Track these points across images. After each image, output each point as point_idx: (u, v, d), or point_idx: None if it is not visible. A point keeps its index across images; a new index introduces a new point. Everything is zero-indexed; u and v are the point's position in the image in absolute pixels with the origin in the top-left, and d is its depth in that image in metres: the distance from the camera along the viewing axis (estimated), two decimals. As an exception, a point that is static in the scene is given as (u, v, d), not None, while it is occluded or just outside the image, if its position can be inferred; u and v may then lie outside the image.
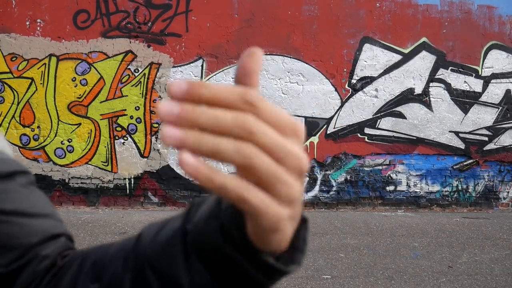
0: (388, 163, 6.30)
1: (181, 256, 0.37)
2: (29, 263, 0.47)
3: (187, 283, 0.37)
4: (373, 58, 6.16)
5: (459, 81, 6.34)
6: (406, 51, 6.22)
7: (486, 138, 6.47)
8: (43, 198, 0.54)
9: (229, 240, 0.34)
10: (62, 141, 5.79)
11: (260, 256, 0.33)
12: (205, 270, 0.36)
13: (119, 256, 0.43)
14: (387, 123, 6.25)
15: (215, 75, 5.93)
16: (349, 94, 6.17)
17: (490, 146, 6.49)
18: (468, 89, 6.37)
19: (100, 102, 5.79)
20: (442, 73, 6.30)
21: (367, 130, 6.23)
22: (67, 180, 5.83)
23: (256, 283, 0.35)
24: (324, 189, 6.21)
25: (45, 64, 5.68)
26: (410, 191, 6.37)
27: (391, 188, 6.33)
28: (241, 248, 0.34)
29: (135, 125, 5.86)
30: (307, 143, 6.13)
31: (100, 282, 0.43)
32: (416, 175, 6.37)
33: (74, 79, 5.74)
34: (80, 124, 5.80)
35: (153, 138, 5.89)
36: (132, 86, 5.83)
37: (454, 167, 6.44)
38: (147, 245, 0.40)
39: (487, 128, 6.46)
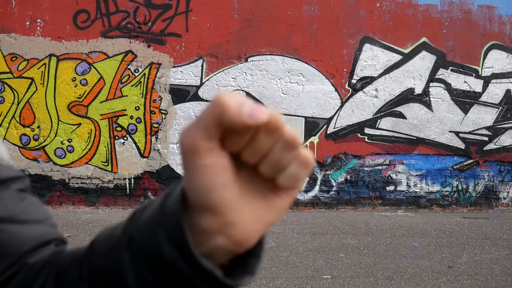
0: (388, 163, 6.30)
1: (127, 261, 0.36)
2: (18, 273, 0.45)
3: None
4: (373, 58, 6.16)
5: (459, 81, 6.34)
6: (406, 51, 6.22)
7: (486, 138, 6.47)
8: (36, 204, 0.53)
9: (173, 249, 0.33)
10: (62, 141, 5.79)
11: (203, 265, 0.32)
12: (152, 275, 0.35)
13: (74, 264, 0.42)
14: (387, 123, 6.25)
15: (215, 75, 5.93)
16: (349, 94, 6.17)
17: (490, 146, 6.49)
18: (468, 89, 6.37)
19: (100, 102, 5.80)
20: (442, 73, 6.30)
21: (367, 130, 6.23)
22: (67, 180, 5.83)
23: None
24: (324, 189, 6.21)
25: (45, 64, 5.68)
26: (410, 191, 6.37)
27: (391, 188, 6.33)
28: (185, 257, 0.32)
29: (135, 125, 5.86)
30: (307, 143, 6.13)
31: None
32: (416, 175, 6.37)
33: (74, 79, 5.74)
34: (80, 124, 5.80)
35: (153, 138, 5.89)
36: (132, 86, 5.83)
37: (454, 167, 6.44)
38: (96, 251, 0.40)
39: (487, 128, 6.46)
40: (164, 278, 0.34)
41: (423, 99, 6.30)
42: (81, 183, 5.85)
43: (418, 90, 6.28)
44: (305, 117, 6.10)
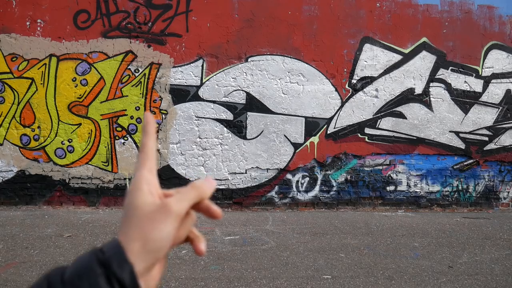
0: (388, 163, 6.30)
1: None
2: None
3: None
4: (373, 58, 6.16)
5: (459, 81, 6.34)
6: (406, 51, 6.22)
7: (486, 138, 6.47)
8: None
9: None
10: (62, 141, 5.79)
11: None
12: None
13: None
14: (387, 123, 6.25)
15: (215, 75, 5.93)
16: (350, 94, 6.17)
17: (491, 146, 6.49)
18: (468, 89, 6.37)
19: (101, 102, 5.80)
20: (442, 73, 6.30)
21: (368, 130, 6.23)
22: (67, 180, 5.83)
23: None
24: (325, 189, 6.21)
25: (45, 64, 5.69)
26: (411, 191, 6.37)
27: (391, 188, 6.33)
28: None
29: (135, 125, 5.86)
30: (308, 143, 6.13)
31: None
32: (417, 175, 6.36)
33: (74, 79, 5.75)
34: (80, 124, 5.80)
35: (154, 138, 5.88)
36: (132, 86, 5.83)
37: (455, 167, 6.44)
38: None
39: (487, 128, 6.46)
40: None
41: (423, 99, 6.30)
42: (82, 183, 5.85)
43: (418, 90, 6.28)
44: (305, 117, 6.09)
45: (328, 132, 6.16)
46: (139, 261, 0.40)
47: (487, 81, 6.40)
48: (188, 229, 0.47)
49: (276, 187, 6.11)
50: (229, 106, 5.98)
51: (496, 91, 6.43)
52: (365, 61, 6.16)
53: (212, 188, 0.48)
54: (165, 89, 5.87)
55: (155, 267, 0.43)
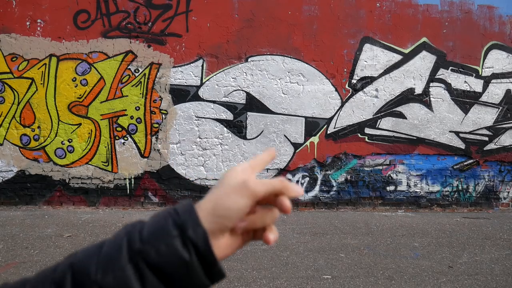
0: (388, 163, 6.30)
1: (130, 270, 0.40)
2: None
3: None
4: (373, 58, 6.16)
5: (459, 81, 6.34)
6: (406, 51, 6.22)
7: (486, 138, 6.47)
8: None
9: (192, 251, 0.42)
10: (62, 141, 5.79)
11: (216, 266, 0.43)
12: (157, 280, 0.41)
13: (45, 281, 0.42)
14: (387, 123, 6.25)
15: (215, 75, 5.93)
16: (350, 94, 6.17)
17: (491, 146, 6.49)
18: (468, 89, 6.37)
19: (101, 102, 5.80)
20: (442, 73, 6.30)
21: (368, 130, 6.23)
22: (67, 180, 5.83)
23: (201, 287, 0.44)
24: (325, 189, 6.21)
25: (45, 64, 5.69)
26: (411, 191, 6.37)
27: (391, 188, 6.33)
28: (203, 258, 0.43)
29: (135, 125, 5.86)
30: (308, 143, 6.13)
31: None
32: (417, 175, 6.36)
33: (74, 79, 5.75)
34: (80, 124, 5.80)
35: (153, 138, 5.89)
36: (132, 86, 5.83)
37: (455, 167, 6.44)
38: (86, 262, 0.42)
39: (488, 128, 6.46)
40: (169, 281, 0.41)
41: (423, 99, 6.30)
42: (82, 183, 5.85)
43: (418, 90, 6.28)
44: (305, 117, 6.09)
45: (328, 132, 6.16)
46: (206, 221, 0.44)
47: (487, 81, 6.40)
48: (265, 222, 0.50)
49: (276, 187, 6.10)
50: (229, 106, 5.98)
51: (496, 91, 6.43)
52: (365, 61, 6.16)
53: (298, 193, 0.51)
54: (165, 89, 5.88)
55: (223, 237, 0.46)
